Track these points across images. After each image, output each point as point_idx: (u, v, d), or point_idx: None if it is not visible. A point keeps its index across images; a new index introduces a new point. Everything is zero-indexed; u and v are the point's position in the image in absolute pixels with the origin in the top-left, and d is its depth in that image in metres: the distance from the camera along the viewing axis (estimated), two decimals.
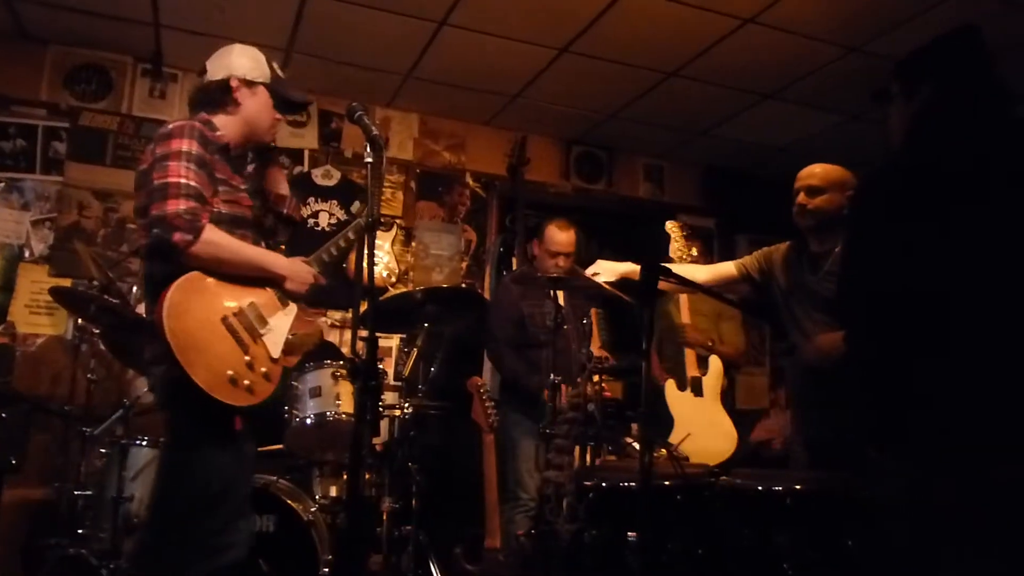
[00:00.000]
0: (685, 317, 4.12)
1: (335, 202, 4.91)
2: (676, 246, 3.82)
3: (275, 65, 2.45)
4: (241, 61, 2.37)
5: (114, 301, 3.35)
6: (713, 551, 2.37)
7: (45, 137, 4.42)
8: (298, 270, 2.35)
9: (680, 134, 5.43)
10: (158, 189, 2.08)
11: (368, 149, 2.06)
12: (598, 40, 4.14)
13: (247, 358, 2.16)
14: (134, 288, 4.19)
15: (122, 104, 4.58)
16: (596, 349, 3.66)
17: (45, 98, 4.44)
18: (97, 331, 3.61)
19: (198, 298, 2.11)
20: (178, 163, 2.11)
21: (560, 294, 3.82)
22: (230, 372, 2.09)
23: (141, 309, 4.23)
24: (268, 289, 2.30)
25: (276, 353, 2.25)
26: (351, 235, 2.56)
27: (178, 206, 2.06)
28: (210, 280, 2.15)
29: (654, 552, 2.31)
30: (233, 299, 2.19)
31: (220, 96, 2.33)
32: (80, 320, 3.70)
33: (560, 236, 3.90)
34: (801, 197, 2.78)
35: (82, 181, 4.46)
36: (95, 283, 3.56)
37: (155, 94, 4.65)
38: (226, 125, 2.33)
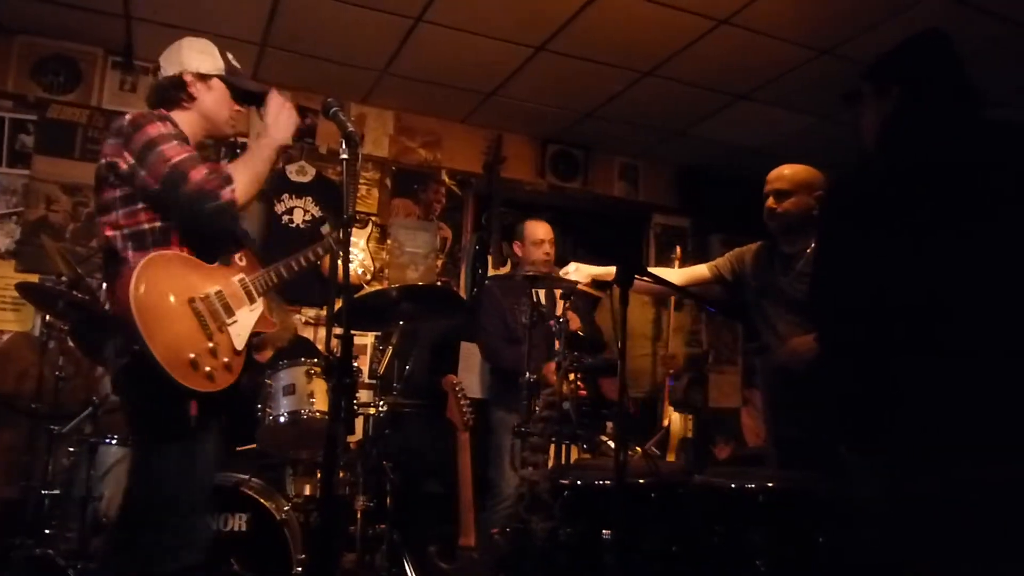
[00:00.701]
0: (671, 347, 4.20)
1: (309, 199, 4.87)
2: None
3: (230, 56, 2.44)
4: (192, 55, 2.37)
5: (83, 297, 3.30)
6: (687, 549, 2.39)
7: (12, 129, 4.33)
8: (279, 112, 2.34)
9: (655, 134, 5.46)
10: (170, 173, 2.10)
11: (343, 145, 2.05)
12: (574, 39, 4.15)
13: (210, 344, 2.15)
14: (103, 284, 4.13)
15: (92, 97, 4.51)
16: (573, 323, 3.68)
17: (12, 89, 4.35)
18: (65, 327, 3.55)
19: (167, 277, 2.12)
20: (168, 144, 2.14)
21: (542, 292, 3.85)
22: (192, 355, 2.09)
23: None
24: (235, 281, 2.30)
25: (240, 345, 2.25)
26: (320, 251, 2.56)
27: (200, 172, 2.10)
28: (179, 261, 2.17)
29: (629, 550, 2.32)
30: (201, 284, 2.20)
31: (175, 92, 2.34)
32: (48, 316, 3.64)
33: (540, 227, 4.00)
34: (770, 201, 2.80)
35: (50, 175, 4.38)
36: (63, 279, 3.50)
37: (126, 87, 4.58)
38: (183, 121, 2.33)
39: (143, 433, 2.22)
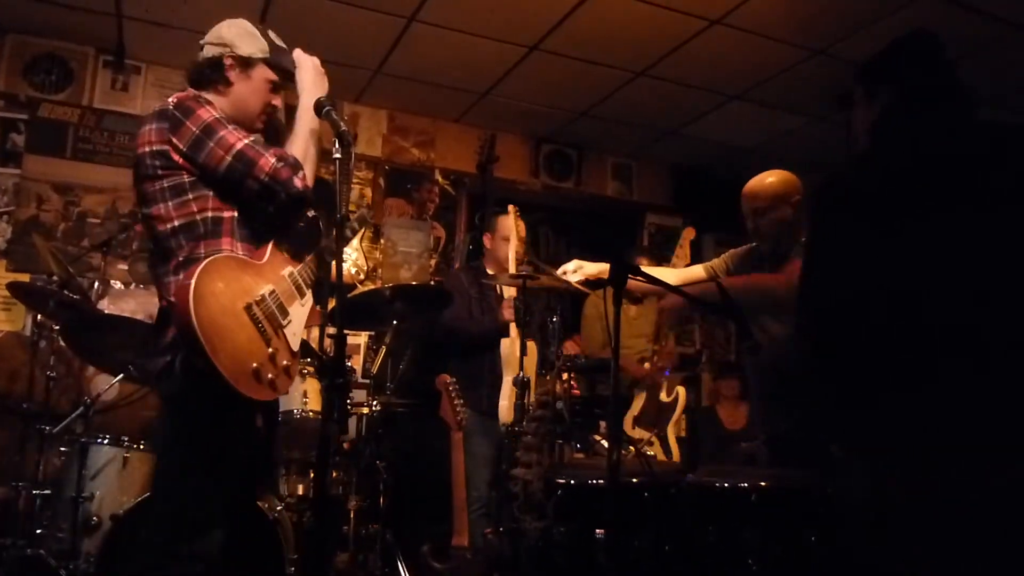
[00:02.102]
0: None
1: None
2: (679, 252, 3.85)
3: (272, 34, 2.32)
4: (234, 33, 2.23)
5: (74, 297, 3.28)
6: (680, 548, 2.39)
7: (2, 128, 4.32)
8: (309, 72, 2.27)
9: (648, 133, 5.47)
10: (234, 161, 2.02)
11: (336, 145, 2.03)
12: (568, 39, 4.15)
13: (270, 350, 2.05)
14: (95, 283, 4.12)
15: (83, 96, 4.49)
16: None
17: (3, 88, 4.34)
18: (57, 327, 3.53)
19: (223, 286, 1.98)
20: (226, 130, 2.04)
21: (508, 289, 3.83)
22: (255, 364, 1.99)
23: (103, 305, 4.18)
24: (285, 275, 2.19)
25: (296, 346, 2.16)
26: (355, 225, 2.51)
27: (269, 160, 2.04)
28: (231, 264, 2.04)
29: (622, 549, 2.33)
30: (255, 285, 2.07)
31: (212, 74, 2.20)
32: (39, 316, 3.62)
33: (511, 222, 3.91)
34: (751, 223, 2.82)
35: (41, 174, 4.36)
36: (54, 278, 3.48)
37: (117, 86, 4.57)
38: (218, 104, 2.18)
39: (199, 433, 2.06)
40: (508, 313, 3.53)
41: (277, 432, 2.33)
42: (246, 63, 2.21)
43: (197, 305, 1.89)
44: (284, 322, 2.13)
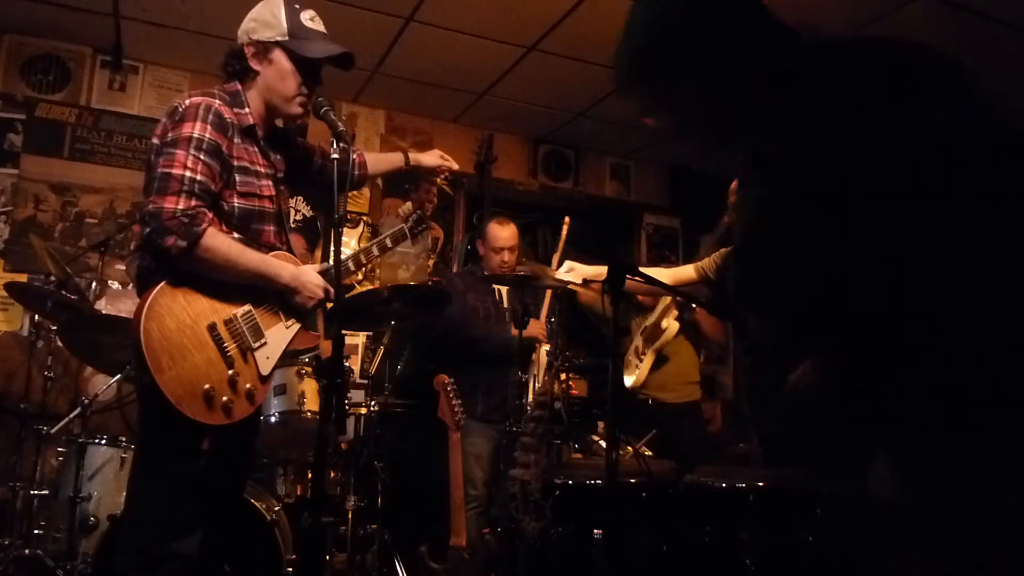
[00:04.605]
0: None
1: (300, 198, 4.85)
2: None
3: (305, 16, 2.19)
4: (251, 21, 2.15)
5: (72, 297, 3.28)
6: (677, 548, 2.40)
7: (0, 129, 4.31)
8: (306, 281, 2.09)
9: (646, 134, 5.46)
10: (159, 178, 1.90)
11: (334, 145, 2.04)
12: (565, 39, 4.15)
13: (231, 372, 1.97)
14: (93, 284, 4.12)
15: (80, 96, 4.49)
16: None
17: (0, 89, 4.33)
18: (54, 327, 3.53)
19: (186, 299, 1.92)
20: (186, 151, 1.91)
21: (504, 290, 3.84)
22: (207, 386, 1.91)
23: (100, 305, 4.17)
24: (271, 296, 2.11)
25: (267, 370, 2.06)
26: (388, 243, 2.45)
27: (176, 204, 1.87)
28: (206, 280, 1.96)
29: (619, 549, 2.33)
30: (227, 304, 2.00)
31: (236, 64, 2.13)
32: (36, 316, 3.62)
33: (502, 232, 3.92)
34: (726, 216, 2.88)
35: (38, 174, 4.36)
36: (52, 278, 3.48)
37: (115, 86, 4.56)
38: (252, 96, 2.13)
39: (150, 445, 2.04)
40: (538, 331, 3.54)
41: (254, 440, 2.22)
42: (264, 48, 2.13)
43: (148, 320, 1.84)
44: (256, 344, 2.05)
